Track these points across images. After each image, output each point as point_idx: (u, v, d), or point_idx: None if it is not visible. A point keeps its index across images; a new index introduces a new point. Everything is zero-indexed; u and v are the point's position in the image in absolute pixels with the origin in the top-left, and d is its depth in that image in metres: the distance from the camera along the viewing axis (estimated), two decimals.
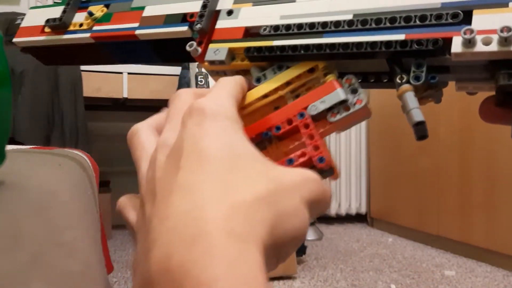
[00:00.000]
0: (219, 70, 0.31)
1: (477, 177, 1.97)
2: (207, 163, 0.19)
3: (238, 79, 0.25)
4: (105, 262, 0.57)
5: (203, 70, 1.80)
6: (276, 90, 0.27)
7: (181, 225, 0.17)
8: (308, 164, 0.24)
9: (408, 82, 0.24)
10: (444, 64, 0.24)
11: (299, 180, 0.20)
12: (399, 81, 0.24)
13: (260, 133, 0.26)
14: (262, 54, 0.28)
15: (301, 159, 0.24)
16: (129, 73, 2.08)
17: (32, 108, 1.65)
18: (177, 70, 2.06)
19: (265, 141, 0.26)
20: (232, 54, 0.29)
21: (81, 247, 0.49)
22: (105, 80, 2.05)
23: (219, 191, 0.18)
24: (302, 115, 0.25)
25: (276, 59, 0.27)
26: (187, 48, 0.30)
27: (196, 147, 0.19)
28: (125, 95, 2.08)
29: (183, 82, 1.94)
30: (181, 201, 0.18)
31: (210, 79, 1.78)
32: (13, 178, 0.52)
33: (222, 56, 0.29)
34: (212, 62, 0.30)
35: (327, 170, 0.24)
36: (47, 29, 0.38)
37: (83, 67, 1.89)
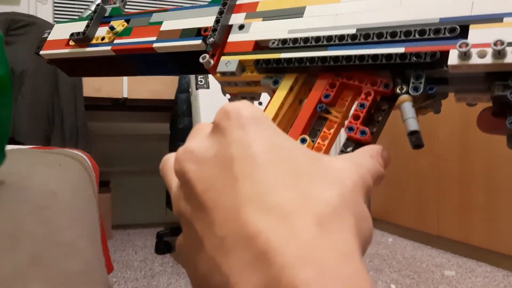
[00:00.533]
0: (230, 81, 0.32)
1: (477, 177, 1.97)
2: (266, 170, 0.17)
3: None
4: (105, 262, 0.57)
5: None
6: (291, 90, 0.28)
7: (276, 243, 0.15)
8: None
9: (407, 92, 0.25)
10: (442, 76, 0.25)
11: (358, 174, 0.19)
12: (399, 91, 0.25)
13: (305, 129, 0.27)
14: (270, 66, 0.29)
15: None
16: None
17: (32, 108, 1.65)
18: None
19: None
20: (242, 66, 0.31)
21: (81, 247, 0.49)
22: (105, 80, 2.05)
23: (297, 202, 0.16)
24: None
25: (283, 71, 0.29)
26: (200, 60, 0.32)
27: (247, 153, 0.17)
28: (125, 95, 2.08)
29: (183, 82, 1.94)
30: (259, 217, 0.16)
31: (210, 79, 1.78)
32: (13, 178, 0.52)
33: (233, 67, 0.31)
34: (223, 74, 0.31)
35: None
36: (71, 43, 0.40)
37: None
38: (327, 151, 0.26)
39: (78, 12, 2.40)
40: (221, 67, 0.31)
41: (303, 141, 0.26)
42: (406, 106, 0.25)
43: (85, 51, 0.39)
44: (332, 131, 0.26)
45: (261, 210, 0.16)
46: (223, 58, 0.32)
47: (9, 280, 0.38)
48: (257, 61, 0.30)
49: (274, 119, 0.28)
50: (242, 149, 0.17)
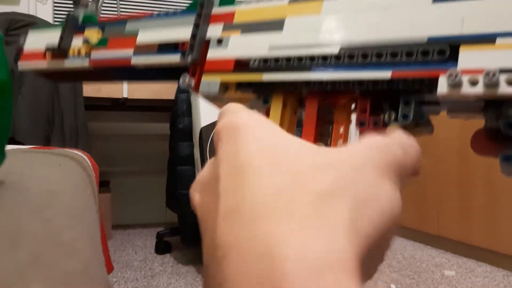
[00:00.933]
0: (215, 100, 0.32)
1: (477, 177, 1.97)
2: (248, 173, 0.16)
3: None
4: (105, 262, 0.57)
5: None
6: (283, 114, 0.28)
7: (252, 264, 0.13)
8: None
9: (396, 120, 0.24)
10: (432, 100, 0.24)
11: (365, 152, 0.16)
12: (387, 119, 0.24)
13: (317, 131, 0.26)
14: (253, 89, 0.28)
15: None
16: None
17: (32, 108, 1.65)
18: None
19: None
20: (225, 85, 0.30)
21: (81, 247, 0.49)
22: None
23: (273, 205, 0.14)
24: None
25: (267, 93, 0.28)
26: (180, 82, 0.31)
27: (233, 163, 0.16)
28: (125, 95, 2.08)
29: None
30: (228, 228, 0.15)
31: None
32: (13, 178, 0.52)
33: (215, 89, 0.30)
34: (206, 95, 0.30)
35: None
36: (47, 54, 0.39)
37: None
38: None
39: None
40: (203, 89, 0.30)
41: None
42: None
43: (63, 66, 0.38)
44: (342, 128, 0.26)
45: (232, 230, 0.14)
46: (204, 78, 0.31)
47: (9, 280, 0.38)
48: (239, 84, 0.29)
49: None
50: (228, 161, 0.17)
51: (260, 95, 0.29)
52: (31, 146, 0.86)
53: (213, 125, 1.76)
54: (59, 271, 0.43)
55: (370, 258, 0.15)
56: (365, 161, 0.16)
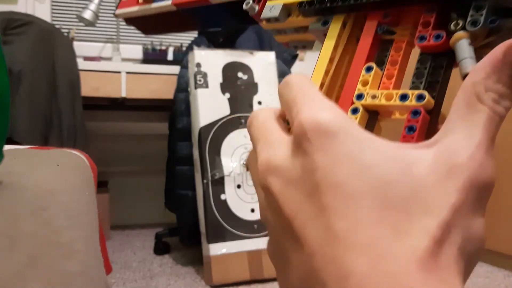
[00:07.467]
0: (279, 28, 0.30)
1: None
2: (354, 201, 0.16)
3: (302, 74, 0.22)
4: (103, 263, 0.57)
5: (202, 69, 1.79)
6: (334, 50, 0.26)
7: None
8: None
9: (463, 28, 0.21)
10: (510, 6, 0.21)
11: (456, 193, 0.16)
12: (453, 28, 0.22)
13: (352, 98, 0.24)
14: (314, 7, 0.27)
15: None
16: (127, 73, 2.07)
17: (30, 108, 1.64)
18: (175, 69, 2.06)
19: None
20: (287, 10, 0.29)
21: (79, 247, 0.48)
22: (104, 80, 2.05)
23: (391, 241, 0.15)
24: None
25: (329, 11, 0.27)
26: (244, 6, 0.30)
27: (333, 180, 0.16)
28: (124, 94, 2.07)
29: (182, 82, 1.93)
30: (351, 256, 0.15)
31: (210, 79, 1.77)
32: (11, 178, 0.52)
33: (276, 12, 0.29)
34: (268, 20, 0.29)
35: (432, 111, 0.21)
36: (140, 0, 0.42)
37: (81, 67, 1.89)
38: (399, 77, 0.23)
39: (76, 10, 2.39)
40: (265, 13, 0.29)
41: (368, 69, 0.23)
42: (461, 44, 0.21)
43: (150, 8, 0.41)
44: (401, 52, 0.23)
45: (352, 249, 0.15)
46: (268, 2, 0.30)
47: (7, 281, 0.37)
48: (301, 3, 0.28)
49: (330, 61, 0.25)
50: (327, 176, 0.16)
51: (321, 17, 0.27)
52: (29, 146, 0.85)
53: (212, 125, 1.76)
54: (58, 272, 0.42)
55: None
56: (461, 199, 0.16)
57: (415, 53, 0.24)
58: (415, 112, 0.21)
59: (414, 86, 0.22)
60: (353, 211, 0.15)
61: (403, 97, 0.22)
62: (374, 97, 0.23)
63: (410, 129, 0.21)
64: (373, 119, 0.23)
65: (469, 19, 0.21)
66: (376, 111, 0.23)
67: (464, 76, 0.20)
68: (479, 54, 0.22)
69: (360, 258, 0.15)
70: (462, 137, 0.16)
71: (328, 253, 0.15)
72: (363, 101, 0.23)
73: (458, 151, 0.16)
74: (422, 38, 0.22)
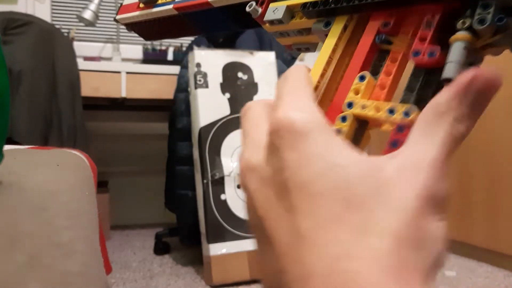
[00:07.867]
0: (282, 30, 0.30)
1: (477, 177, 1.97)
2: (320, 201, 0.16)
3: (303, 68, 0.23)
4: (103, 263, 0.57)
5: (202, 69, 1.79)
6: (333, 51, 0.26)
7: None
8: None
9: (469, 28, 0.21)
10: None
11: (416, 198, 0.16)
12: (460, 27, 0.21)
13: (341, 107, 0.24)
14: (318, 8, 0.27)
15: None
16: (127, 73, 2.07)
17: (30, 108, 1.64)
18: (175, 69, 2.06)
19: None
20: (291, 12, 0.29)
21: (79, 247, 0.48)
22: (104, 80, 2.05)
23: (352, 240, 0.15)
24: None
25: (333, 13, 0.27)
26: (247, 9, 0.30)
27: (301, 179, 0.17)
28: (124, 94, 2.07)
29: (182, 82, 1.93)
30: (314, 258, 0.15)
31: (209, 79, 1.77)
32: (11, 178, 0.52)
33: (280, 14, 0.29)
34: (271, 22, 0.29)
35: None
36: (141, 5, 0.42)
37: (81, 67, 1.89)
38: (392, 88, 0.23)
39: (76, 10, 2.39)
40: (268, 15, 0.29)
41: (361, 78, 0.23)
42: (455, 46, 0.21)
43: (151, 12, 0.40)
44: (396, 63, 0.23)
45: (314, 249, 0.15)
46: (271, 5, 0.30)
47: (7, 281, 0.37)
48: (304, 5, 0.27)
49: (328, 63, 0.25)
50: (295, 175, 0.17)
51: (323, 18, 0.27)
52: (29, 146, 0.85)
53: (212, 125, 1.76)
54: (57, 271, 0.42)
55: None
56: (421, 204, 0.17)
57: (412, 62, 0.24)
58: (400, 128, 0.21)
59: (405, 99, 0.22)
60: (317, 210, 0.16)
61: (391, 111, 0.22)
62: (364, 107, 0.23)
63: (394, 144, 0.21)
64: (362, 128, 0.24)
65: (476, 17, 0.21)
66: (366, 121, 0.23)
67: (443, 80, 0.20)
68: (481, 54, 0.22)
69: (321, 259, 0.15)
70: (423, 149, 0.17)
71: (294, 254, 0.16)
72: (352, 110, 0.23)
73: (420, 160, 0.17)
74: (417, 53, 0.22)
